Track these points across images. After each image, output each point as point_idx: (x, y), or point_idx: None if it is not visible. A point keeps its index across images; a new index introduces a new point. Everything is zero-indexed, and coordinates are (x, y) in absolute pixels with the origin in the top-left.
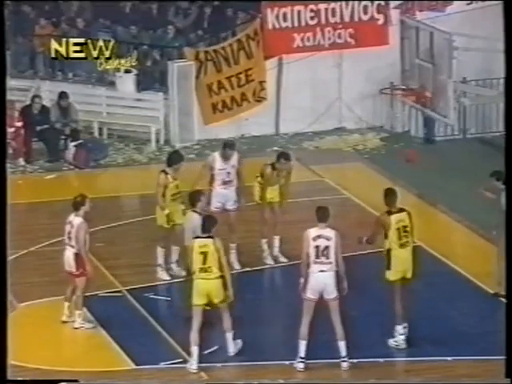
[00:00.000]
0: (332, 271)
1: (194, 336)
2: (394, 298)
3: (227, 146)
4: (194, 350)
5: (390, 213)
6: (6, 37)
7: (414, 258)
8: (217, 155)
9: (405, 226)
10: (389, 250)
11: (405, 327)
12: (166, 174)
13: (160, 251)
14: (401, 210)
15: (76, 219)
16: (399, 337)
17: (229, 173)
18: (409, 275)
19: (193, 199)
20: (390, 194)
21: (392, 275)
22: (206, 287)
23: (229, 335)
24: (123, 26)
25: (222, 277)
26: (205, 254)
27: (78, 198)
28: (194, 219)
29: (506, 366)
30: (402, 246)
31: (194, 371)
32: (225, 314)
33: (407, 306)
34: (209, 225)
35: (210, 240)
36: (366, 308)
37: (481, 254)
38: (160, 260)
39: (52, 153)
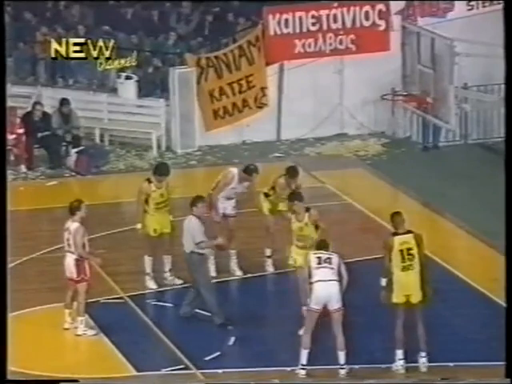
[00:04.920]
0: (336, 280)
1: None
2: (396, 323)
3: (249, 171)
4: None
5: (394, 234)
6: (8, 43)
7: (422, 282)
8: (236, 176)
9: (409, 249)
10: (391, 273)
11: (422, 356)
12: (150, 182)
13: (147, 260)
14: (407, 232)
15: (73, 225)
16: (398, 362)
17: (236, 192)
18: (413, 300)
19: (191, 203)
20: (394, 217)
21: (394, 297)
22: None
23: None
24: (124, 32)
25: None
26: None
27: (74, 203)
28: (191, 222)
29: (506, 366)
30: (404, 268)
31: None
32: None
33: (420, 334)
34: None
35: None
36: (369, 315)
37: (483, 259)
38: (148, 269)
39: (53, 159)
